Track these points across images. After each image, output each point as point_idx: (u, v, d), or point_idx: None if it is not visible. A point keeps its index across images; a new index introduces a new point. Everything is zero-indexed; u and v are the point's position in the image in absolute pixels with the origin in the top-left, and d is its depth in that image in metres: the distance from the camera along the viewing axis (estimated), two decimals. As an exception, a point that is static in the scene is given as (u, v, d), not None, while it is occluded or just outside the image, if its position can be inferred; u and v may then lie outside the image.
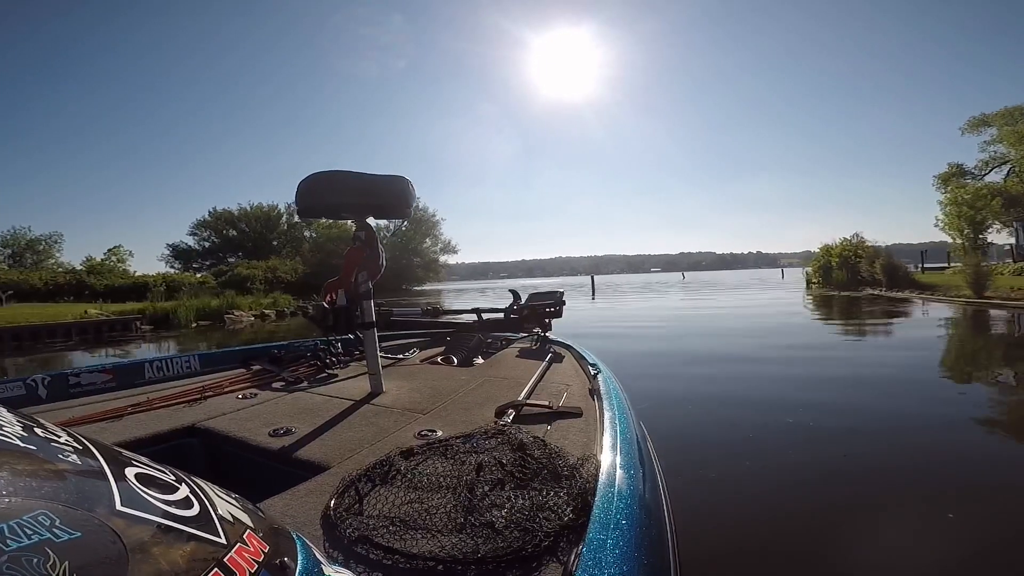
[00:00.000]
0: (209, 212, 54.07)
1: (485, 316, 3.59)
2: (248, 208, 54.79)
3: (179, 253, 51.86)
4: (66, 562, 0.36)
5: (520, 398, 1.71)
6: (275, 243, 52.82)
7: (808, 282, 26.54)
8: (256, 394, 2.04)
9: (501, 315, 3.50)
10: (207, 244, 53.07)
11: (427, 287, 53.76)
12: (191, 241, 53.20)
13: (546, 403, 1.62)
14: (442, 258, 58.16)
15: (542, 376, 2.15)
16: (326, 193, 2.04)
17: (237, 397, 2.00)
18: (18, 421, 0.52)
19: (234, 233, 52.99)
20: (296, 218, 53.40)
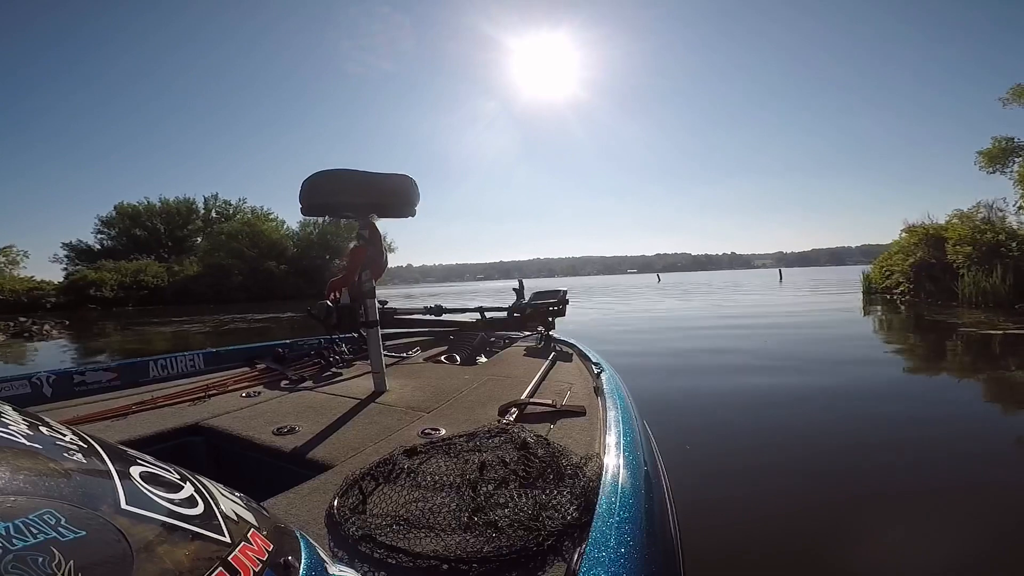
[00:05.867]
0: (115, 207, 47.72)
1: (488, 315, 3.59)
2: (157, 203, 48.49)
3: (80, 253, 44.62)
4: (71, 561, 0.36)
5: (523, 397, 1.71)
6: (187, 242, 46.81)
7: (870, 291, 16.81)
8: (260, 392, 2.05)
9: (504, 314, 3.50)
10: (110, 243, 46.11)
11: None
12: (92, 240, 46.45)
13: (549, 402, 1.62)
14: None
15: (545, 375, 2.14)
16: (329, 192, 2.04)
17: (241, 396, 2.00)
18: (23, 420, 0.52)
19: (139, 232, 46.75)
20: (214, 213, 49.33)
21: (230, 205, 51.89)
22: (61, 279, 35.57)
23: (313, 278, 41.67)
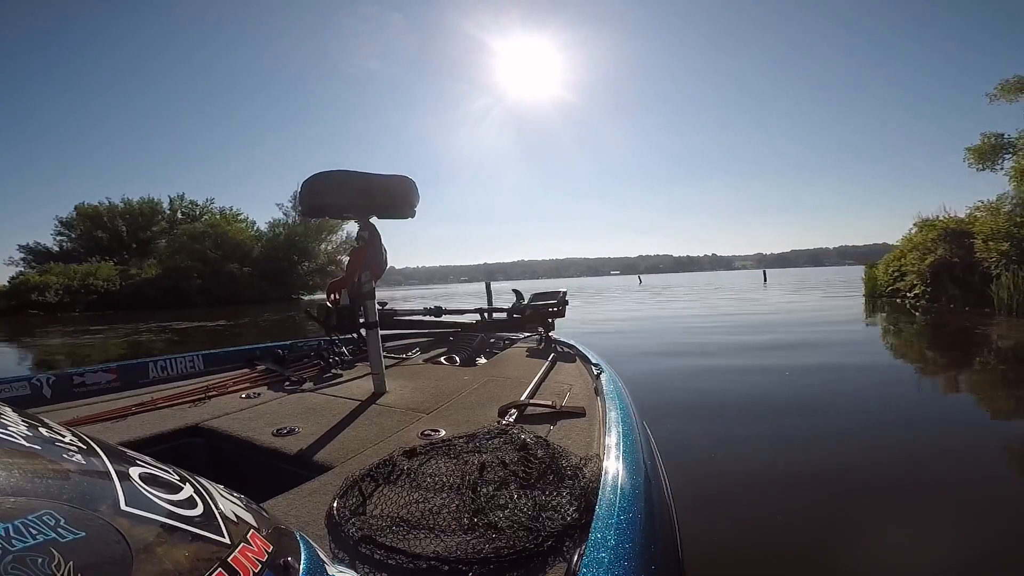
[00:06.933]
0: (75, 208, 45.15)
1: (488, 316, 3.59)
2: (120, 204, 46.15)
3: (38, 256, 41.71)
4: (71, 562, 0.36)
5: (523, 398, 1.71)
6: (151, 245, 43.87)
7: (874, 294, 15.14)
8: (260, 394, 2.05)
9: (504, 315, 3.50)
10: (70, 246, 43.57)
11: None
12: (51, 242, 43.80)
13: (549, 403, 1.62)
14: (347, 260, 48.42)
15: (545, 376, 2.15)
16: (329, 193, 2.04)
17: (241, 397, 2.00)
18: (23, 421, 0.52)
19: (101, 234, 44.16)
20: (179, 214, 47.77)
21: (196, 206, 49.88)
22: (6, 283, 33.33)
23: (278, 281, 39.95)
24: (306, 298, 40.37)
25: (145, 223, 46.99)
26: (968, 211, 13.48)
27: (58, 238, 44.89)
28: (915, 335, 8.39)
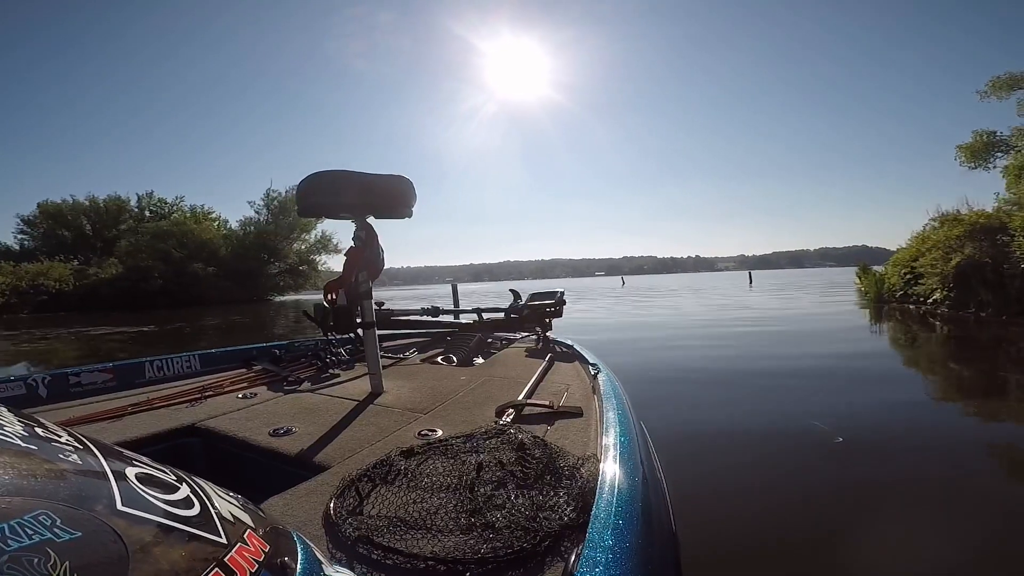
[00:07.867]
0: (38, 205, 43.55)
1: (485, 316, 3.59)
2: (85, 202, 44.52)
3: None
4: (67, 562, 0.36)
5: (520, 398, 1.71)
6: (117, 244, 40.87)
7: (880, 299, 13.21)
8: (256, 394, 2.04)
9: (502, 315, 3.51)
10: (32, 245, 41.83)
11: (299, 296, 40.49)
12: (11, 241, 42.41)
13: (546, 403, 1.62)
14: (321, 259, 43.76)
15: (543, 376, 2.15)
16: (326, 192, 2.04)
17: (237, 397, 2.00)
18: (19, 421, 0.52)
19: (64, 232, 42.61)
20: (147, 212, 46.07)
21: (166, 204, 47.97)
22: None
23: (246, 282, 38.45)
24: (276, 299, 38.72)
25: (111, 221, 45.15)
26: (995, 204, 12.21)
27: (19, 236, 43.38)
28: (975, 360, 6.00)
